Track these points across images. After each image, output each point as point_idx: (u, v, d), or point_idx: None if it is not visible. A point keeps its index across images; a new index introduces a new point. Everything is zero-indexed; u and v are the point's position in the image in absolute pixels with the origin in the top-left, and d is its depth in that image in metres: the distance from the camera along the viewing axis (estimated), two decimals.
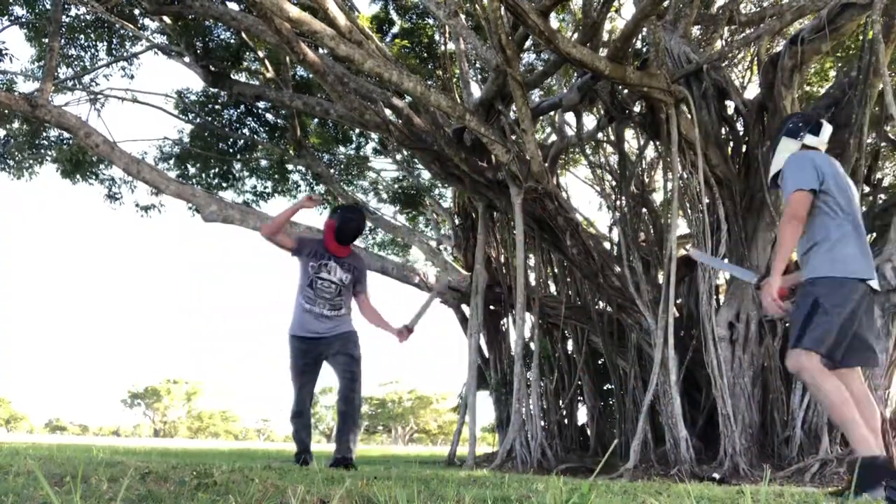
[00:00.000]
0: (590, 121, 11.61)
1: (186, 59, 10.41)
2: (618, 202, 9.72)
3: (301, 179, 13.38)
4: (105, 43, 10.95)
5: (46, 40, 9.31)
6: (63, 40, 10.41)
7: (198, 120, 11.96)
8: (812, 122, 3.28)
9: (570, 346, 10.24)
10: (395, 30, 11.59)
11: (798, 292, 3.03)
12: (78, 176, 11.36)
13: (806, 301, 2.95)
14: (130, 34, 10.92)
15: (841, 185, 3.12)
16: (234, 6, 9.65)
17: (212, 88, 11.17)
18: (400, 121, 8.43)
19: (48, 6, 9.65)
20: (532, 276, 10.64)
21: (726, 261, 3.76)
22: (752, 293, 7.27)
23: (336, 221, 4.66)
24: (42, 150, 11.18)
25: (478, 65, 11.61)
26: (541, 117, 11.59)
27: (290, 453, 5.08)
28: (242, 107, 11.84)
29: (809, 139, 3.25)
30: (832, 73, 10.71)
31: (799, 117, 3.36)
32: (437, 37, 11.18)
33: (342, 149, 13.48)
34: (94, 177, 11.60)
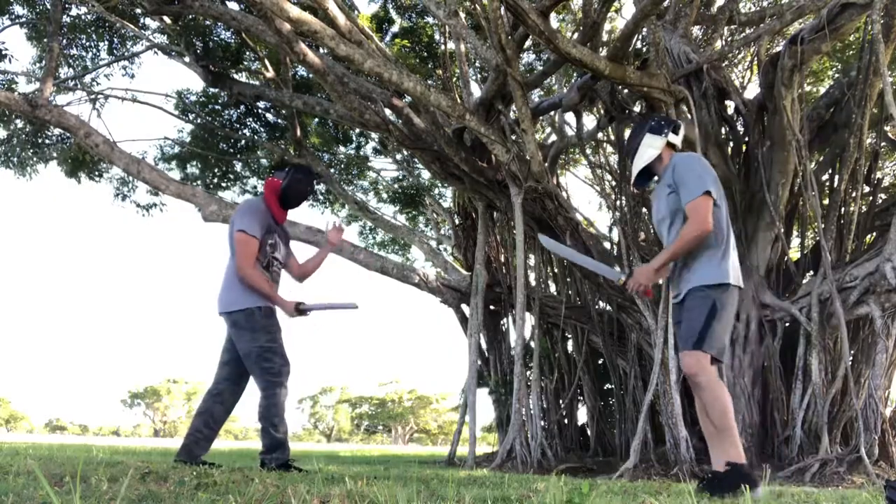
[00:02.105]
0: (590, 121, 11.63)
1: (186, 59, 10.41)
2: (618, 202, 9.72)
3: None
4: (105, 43, 10.96)
5: (46, 40, 9.31)
6: (64, 40, 10.41)
7: (198, 120, 11.97)
8: (674, 122, 3.30)
9: (570, 346, 10.23)
10: (395, 29, 11.59)
11: (691, 295, 3.04)
12: (83, 175, 11.39)
13: (704, 304, 2.99)
14: (131, 34, 10.92)
15: (720, 188, 3.14)
16: (234, 6, 9.66)
17: (212, 88, 11.17)
18: (400, 121, 8.43)
19: (48, 6, 9.65)
20: (532, 276, 10.64)
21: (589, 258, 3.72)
22: (752, 293, 7.28)
23: (284, 181, 3.98)
24: (44, 150, 11.19)
25: (478, 64, 11.61)
26: (541, 117, 11.59)
27: (290, 453, 4.80)
28: (242, 107, 11.84)
29: (672, 137, 3.24)
30: (829, 73, 10.71)
31: (659, 117, 3.39)
32: (437, 36, 11.18)
33: (342, 148, 13.49)
34: (99, 175, 11.63)
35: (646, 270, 3.19)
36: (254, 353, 3.76)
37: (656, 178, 3.34)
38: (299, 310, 3.89)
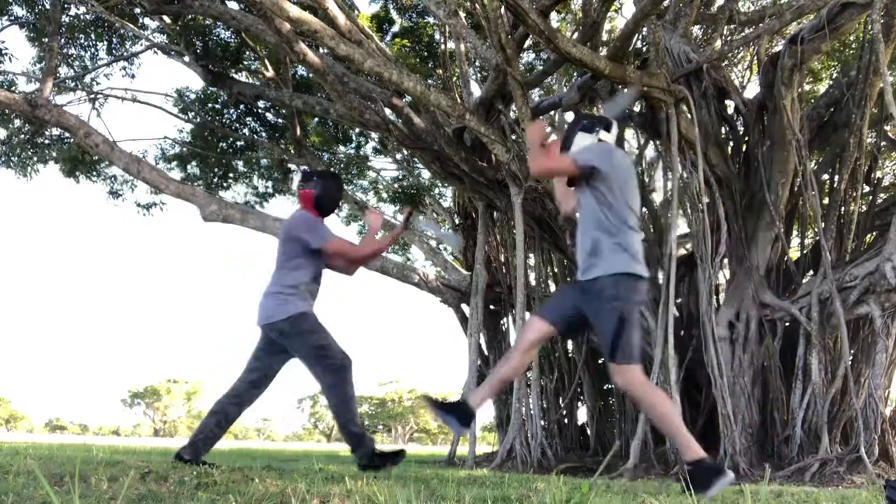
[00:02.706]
0: None
1: (186, 59, 10.40)
2: None
3: None
4: (105, 42, 10.95)
5: (46, 40, 9.31)
6: (63, 40, 10.41)
7: (198, 119, 11.96)
8: (606, 121, 3.39)
9: (570, 345, 10.23)
10: (395, 29, 11.59)
11: (591, 293, 3.05)
12: (80, 174, 11.38)
13: (613, 310, 2.98)
14: (130, 34, 10.92)
15: (626, 178, 3.20)
16: (233, 6, 9.65)
17: (212, 88, 11.16)
18: (400, 120, 8.43)
19: (48, 5, 9.64)
20: (532, 276, 10.64)
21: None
22: (752, 293, 7.27)
23: (316, 191, 4.06)
24: (44, 149, 11.19)
25: (478, 64, 11.60)
26: (541, 117, 11.58)
27: (290, 453, 4.84)
28: (242, 106, 11.84)
29: (603, 135, 3.33)
30: (829, 73, 10.71)
31: (593, 117, 3.47)
32: (437, 36, 11.17)
33: (342, 148, 13.48)
34: (96, 174, 11.61)
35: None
36: (312, 354, 3.84)
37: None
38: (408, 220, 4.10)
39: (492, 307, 10.06)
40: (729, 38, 9.69)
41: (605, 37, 9.93)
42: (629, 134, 10.70)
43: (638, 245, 3.15)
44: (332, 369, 3.83)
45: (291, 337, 3.86)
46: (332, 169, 12.97)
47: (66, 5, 9.96)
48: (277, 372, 4.02)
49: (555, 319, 3.19)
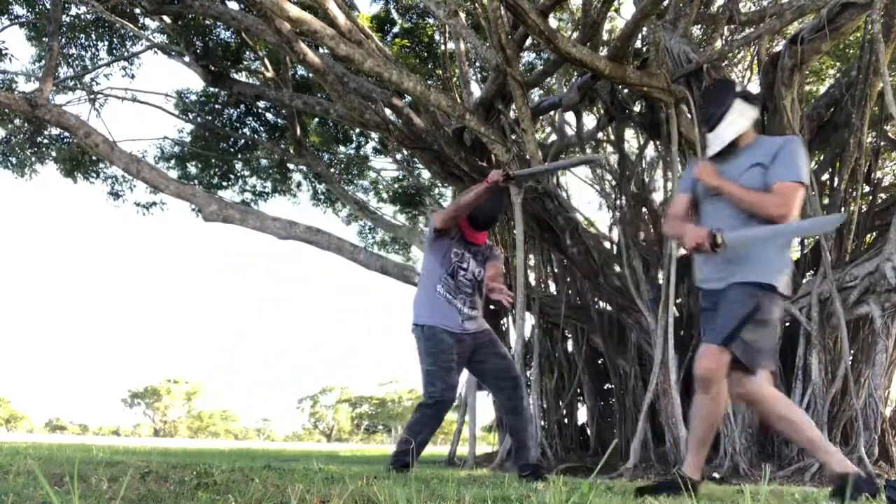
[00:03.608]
0: (590, 120, 11.62)
1: (186, 59, 10.41)
2: (618, 202, 9.72)
3: (303, 179, 13.40)
4: (105, 42, 10.96)
5: (46, 40, 9.31)
6: (63, 40, 10.41)
7: (198, 119, 11.97)
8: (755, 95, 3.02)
9: (570, 346, 10.24)
10: (396, 29, 11.59)
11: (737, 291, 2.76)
12: (79, 174, 11.38)
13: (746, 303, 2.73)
14: (131, 34, 10.92)
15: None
16: (234, 6, 9.65)
17: (212, 88, 11.17)
18: (400, 120, 8.43)
19: (48, 5, 9.65)
20: (532, 276, 10.64)
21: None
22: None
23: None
24: (43, 149, 11.19)
25: (478, 64, 11.61)
26: (541, 117, 11.59)
27: (290, 453, 4.79)
28: (242, 106, 11.84)
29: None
30: (830, 73, 10.71)
31: (741, 87, 3.05)
32: (437, 36, 11.17)
33: (342, 148, 13.49)
34: (95, 175, 11.62)
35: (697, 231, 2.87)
36: (423, 373, 3.82)
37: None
38: (509, 177, 3.64)
39: (492, 307, 10.06)
40: (729, 38, 9.69)
41: (605, 37, 9.93)
42: (629, 134, 10.71)
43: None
44: (431, 396, 3.76)
45: (418, 347, 3.87)
46: (332, 169, 12.98)
47: (66, 5, 9.96)
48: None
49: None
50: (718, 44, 9.14)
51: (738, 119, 2.90)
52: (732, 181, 2.84)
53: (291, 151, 11.85)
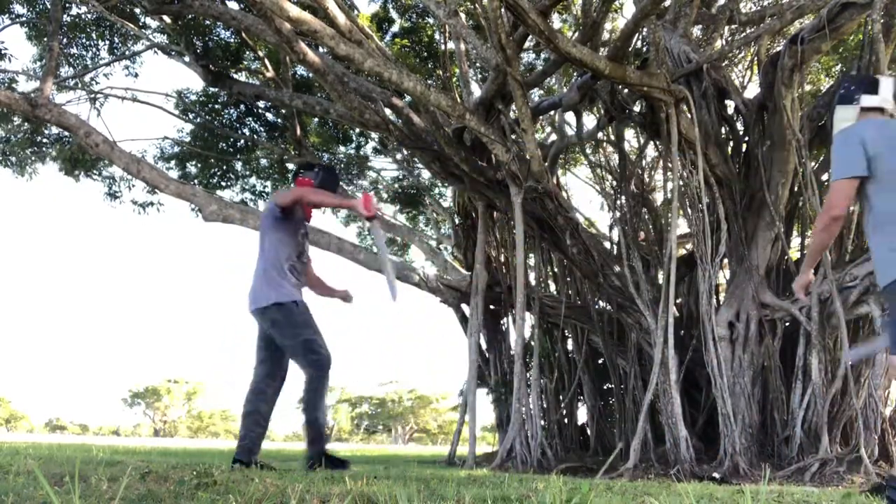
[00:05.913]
0: (590, 120, 11.62)
1: (186, 59, 10.40)
2: (618, 202, 9.71)
3: None
4: (106, 42, 10.95)
5: (47, 39, 9.31)
6: (64, 39, 10.41)
7: (198, 119, 11.96)
8: (866, 81, 2.86)
9: (570, 345, 10.23)
10: (395, 29, 11.59)
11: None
12: (79, 172, 11.38)
13: None
14: (131, 33, 10.93)
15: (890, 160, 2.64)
16: (234, 6, 9.65)
17: (212, 88, 11.16)
18: (400, 120, 8.43)
19: (49, 5, 9.64)
20: (532, 276, 10.64)
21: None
22: (752, 293, 7.27)
23: (316, 181, 4.08)
24: (43, 148, 11.19)
25: (478, 64, 11.60)
26: (541, 117, 11.59)
27: (289, 453, 4.84)
28: (242, 106, 11.83)
29: (866, 100, 2.81)
30: (832, 72, 10.71)
31: (850, 79, 2.95)
32: (437, 36, 11.17)
33: (342, 148, 13.49)
34: (98, 173, 11.62)
35: (799, 281, 2.96)
36: (299, 347, 3.81)
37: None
38: (374, 215, 3.77)
39: (492, 307, 10.06)
40: (729, 38, 9.70)
41: (605, 37, 9.93)
42: (629, 134, 10.71)
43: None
44: (318, 365, 3.80)
45: (282, 327, 3.83)
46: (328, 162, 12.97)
47: (66, 4, 9.96)
48: (282, 357, 3.93)
49: None
50: (718, 44, 9.15)
51: (839, 125, 2.90)
52: None
53: (291, 151, 11.84)
